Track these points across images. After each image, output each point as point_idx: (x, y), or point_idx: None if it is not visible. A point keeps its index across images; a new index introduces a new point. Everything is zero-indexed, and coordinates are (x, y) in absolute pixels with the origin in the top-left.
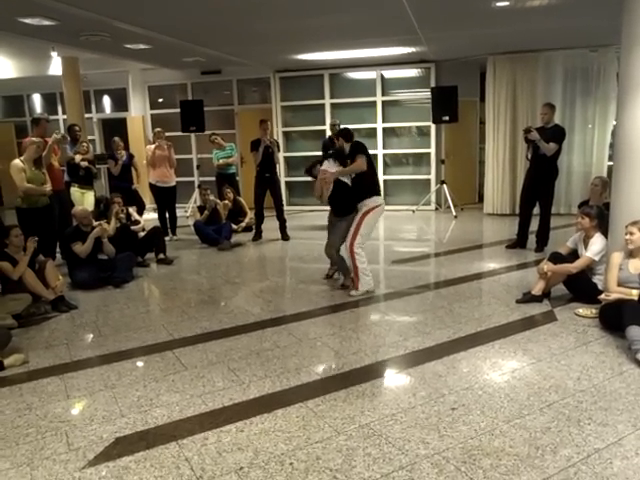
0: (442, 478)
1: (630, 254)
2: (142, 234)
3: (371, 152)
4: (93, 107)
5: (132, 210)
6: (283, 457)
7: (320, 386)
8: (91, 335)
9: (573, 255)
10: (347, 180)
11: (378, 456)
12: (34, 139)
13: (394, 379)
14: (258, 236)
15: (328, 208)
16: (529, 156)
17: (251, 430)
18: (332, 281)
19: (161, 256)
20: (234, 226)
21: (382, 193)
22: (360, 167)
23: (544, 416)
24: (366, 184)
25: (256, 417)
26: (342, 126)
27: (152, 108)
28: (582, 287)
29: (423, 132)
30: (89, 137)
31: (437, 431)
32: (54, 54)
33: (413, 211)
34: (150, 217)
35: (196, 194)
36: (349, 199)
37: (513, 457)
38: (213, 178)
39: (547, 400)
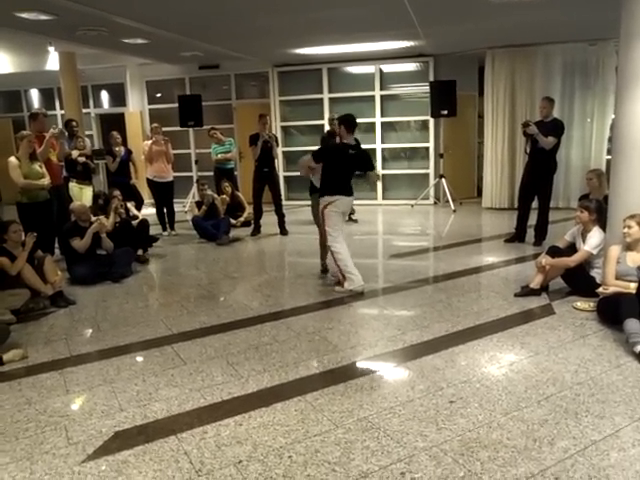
0: (440, 470)
1: (628, 247)
2: None
3: (370, 146)
4: (91, 102)
5: (130, 205)
6: (282, 450)
7: (318, 380)
8: (90, 330)
9: (571, 249)
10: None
11: (376, 449)
12: (24, 132)
13: (392, 373)
14: (257, 231)
15: None
16: (528, 150)
17: (250, 424)
18: (330, 274)
19: (140, 252)
20: (233, 221)
21: (348, 193)
22: (313, 169)
23: (542, 409)
24: (325, 182)
25: (255, 411)
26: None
27: (150, 103)
28: (580, 280)
29: (422, 126)
30: (87, 132)
31: (435, 424)
32: (51, 49)
33: (412, 205)
34: (148, 212)
35: (194, 189)
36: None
37: (511, 449)
38: (211, 173)
39: (545, 393)
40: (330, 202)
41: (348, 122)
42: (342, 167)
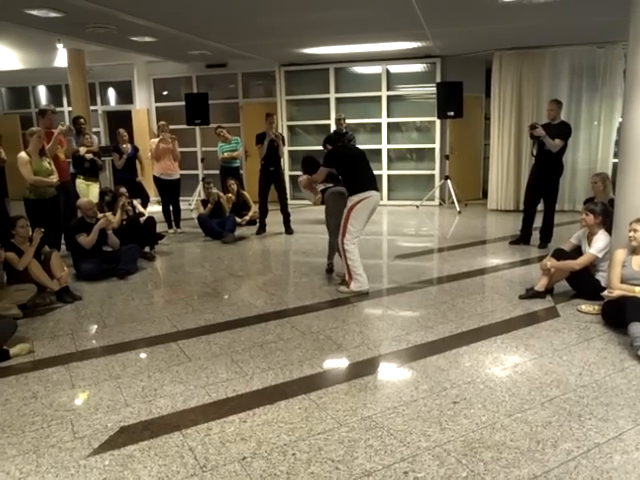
0: (443, 470)
1: (633, 251)
2: None
3: (375, 147)
4: (98, 99)
5: (136, 203)
6: (286, 448)
7: (323, 378)
8: (96, 326)
9: (576, 251)
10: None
11: (380, 448)
12: (33, 129)
13: (396, 372)
14: (262, 230)
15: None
16: (534, 152)
17: (254, 421)
18: (335, 274)
19: (147, 249)
20: (238, 219)
21: (376, 187)
22: (315, 179)
23: (545, 411)
24: (349, 182)
25: (259, 408)
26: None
27: (157, 101)
28: (585, 284)
29: (427, 127)
30: (94, 129)
31: (439, 424)
32: (60, 46)
33: (417, 206)
34: (154, 210)
35: (200, 187)
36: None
37: (514, 450)
38: (217, 171)
39: (548, 395)
40: (361, 199)
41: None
42: (357, 160)
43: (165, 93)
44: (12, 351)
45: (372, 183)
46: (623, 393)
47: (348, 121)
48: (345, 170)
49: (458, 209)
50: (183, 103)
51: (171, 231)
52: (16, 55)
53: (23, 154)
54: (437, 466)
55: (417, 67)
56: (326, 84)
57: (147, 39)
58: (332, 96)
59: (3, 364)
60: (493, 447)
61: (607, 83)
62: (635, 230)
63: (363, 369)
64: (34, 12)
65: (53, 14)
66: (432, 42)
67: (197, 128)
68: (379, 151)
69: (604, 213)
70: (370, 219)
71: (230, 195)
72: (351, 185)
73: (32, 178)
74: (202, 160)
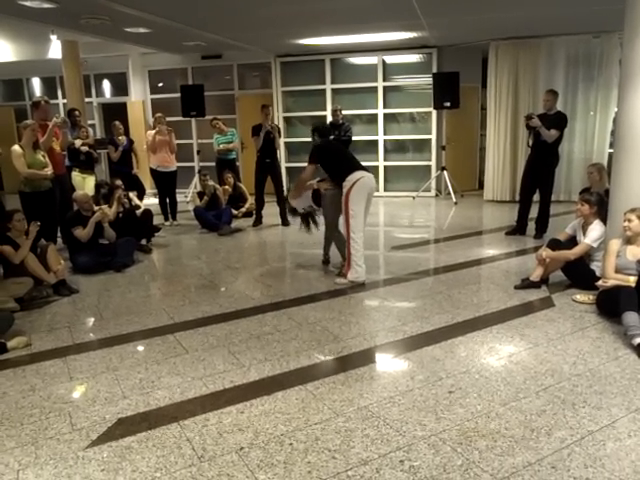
0: (439, 459)
1: (628, 241)
2: None
3: (372, 138)
4: (93, 91)
5: (132, 195)
6: (283, 438)
7: (319, 369)
8: (93, 318)
9: (572, 242)
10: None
11: (376, 437)
12: (27, 122)
13: (392, 363)
14: (258, 221)
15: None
16: (530, 143)
17: (251, 412)
18: (331, 266)
19: (143, 242)
20: (234, 211)
21: (365, 168)
22: (303, 179)
23: (540, 399)
24: (337, 171)
25: (256, 399)
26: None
27: (152, 93)
28: (580, 273)
29: (424, 118)
30: (89, 121)
31: (434, 413)
32: (53, 37)
33: (413, 197)
34: (150, 202)
35: (196, 179)
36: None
37: (508, 439)
38: (213, 163)
39: (543, 384)
40: (354, 183)
41: (318, 131)
42: (339, 150)
43: (160, 85)
44: (9, 344)
45: (359, 166)
46: (616, 381)
47: (344, 112)
48: (330, 162)
49: (454, 200)
50: (178, 95)
51: (167, 223)
52: (9, 47)
53: (16, 147)
54: (433, 455)
55: (413, 57)
56: (322, 75)
57: (141, 30)
58: (328, 87)
59: (0, 357)
60: (488, 436)
61: (603, 73)
62: (630, 220)
63: (359, 360)
64: (27, 3)
65: (47, 5)
66: (428, 32)
67: (193, 120)
68: (375, 142)
69: (599, 203)
70: (369, 209)
71: (227, 187)
72: (339, 173)
73: (25, 171)
74: (198, 152)
